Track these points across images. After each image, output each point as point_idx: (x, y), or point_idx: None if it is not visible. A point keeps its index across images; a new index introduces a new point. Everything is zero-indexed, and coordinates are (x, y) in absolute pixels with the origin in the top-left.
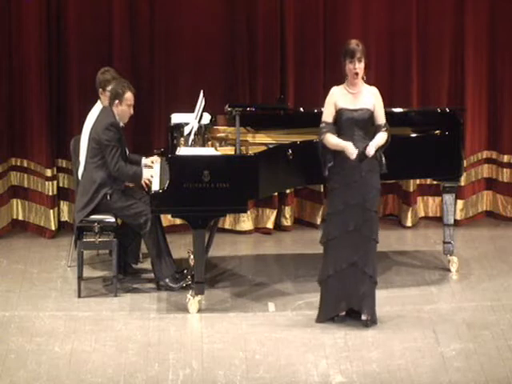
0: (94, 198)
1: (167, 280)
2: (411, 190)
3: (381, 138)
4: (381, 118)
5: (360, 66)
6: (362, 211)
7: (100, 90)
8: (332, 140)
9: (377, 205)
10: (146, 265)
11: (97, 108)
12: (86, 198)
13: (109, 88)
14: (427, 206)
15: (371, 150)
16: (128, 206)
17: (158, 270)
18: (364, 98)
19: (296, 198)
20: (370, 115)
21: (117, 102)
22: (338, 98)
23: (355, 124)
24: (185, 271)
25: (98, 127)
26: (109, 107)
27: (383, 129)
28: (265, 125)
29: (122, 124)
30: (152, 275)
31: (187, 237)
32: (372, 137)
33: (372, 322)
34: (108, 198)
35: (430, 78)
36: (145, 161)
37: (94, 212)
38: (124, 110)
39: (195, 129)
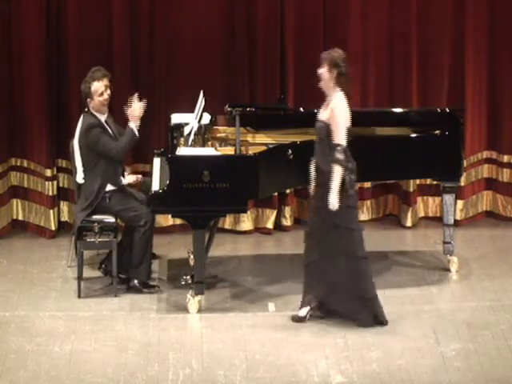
0: (94, 203)
1: (137, 282)
2: (411, 190)
3: (334, 181)
4: (334, 138)
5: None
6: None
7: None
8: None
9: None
10: None
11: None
12: (86, 203)
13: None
14: (427, 206)
15: (333, 206)
16: (128, 209)
17: (135, 271)
18: (326, 108)
19: (296, 198)
20: (327, 130)
21: (88, 100)
22: None
23: (317, 135)
24: (156, 287)
25: (80, 135)
26: (87, 112)
27: (333, 159)
28: (265, 125)
29: (105, 117)
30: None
31: (187, 237)
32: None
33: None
34: (107, 200)
35: (429, 78)
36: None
37: (94, 213)
38: (97, 101)
39: (195, 129)
